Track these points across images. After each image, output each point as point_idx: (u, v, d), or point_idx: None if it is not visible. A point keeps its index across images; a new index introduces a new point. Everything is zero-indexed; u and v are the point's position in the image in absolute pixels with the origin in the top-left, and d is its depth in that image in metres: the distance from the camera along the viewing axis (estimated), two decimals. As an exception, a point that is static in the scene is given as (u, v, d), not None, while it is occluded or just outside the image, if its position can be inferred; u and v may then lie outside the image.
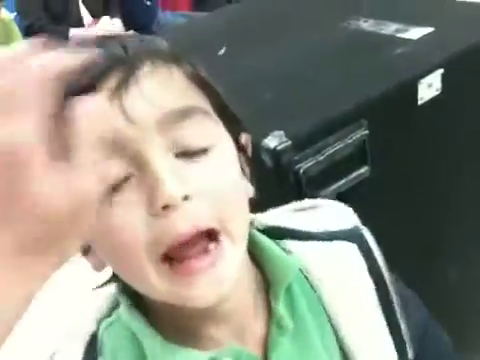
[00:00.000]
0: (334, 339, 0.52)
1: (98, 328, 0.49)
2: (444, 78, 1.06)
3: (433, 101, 1.06)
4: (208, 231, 0.42)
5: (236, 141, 0.48)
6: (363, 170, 0.97)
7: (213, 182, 0.42)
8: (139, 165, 0.41)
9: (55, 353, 0.49)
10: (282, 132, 0.85)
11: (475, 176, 1.24)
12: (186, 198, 0.40)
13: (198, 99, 0.45)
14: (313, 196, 0.93)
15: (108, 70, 0.42)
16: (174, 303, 0.42)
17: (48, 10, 3.40)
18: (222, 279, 0.42)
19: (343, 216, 0.57)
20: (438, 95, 1.06)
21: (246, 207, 0.46)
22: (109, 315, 0.50)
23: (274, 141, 0.84)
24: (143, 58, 0.43)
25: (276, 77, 1.08)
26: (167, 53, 0.45)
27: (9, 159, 0.28)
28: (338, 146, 0.91)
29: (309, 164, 0.89)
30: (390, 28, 1.20)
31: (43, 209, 0.29)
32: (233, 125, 0.48)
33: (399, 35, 1.16)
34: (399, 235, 1.07)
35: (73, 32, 3.14)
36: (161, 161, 0.40)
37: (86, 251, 0.46)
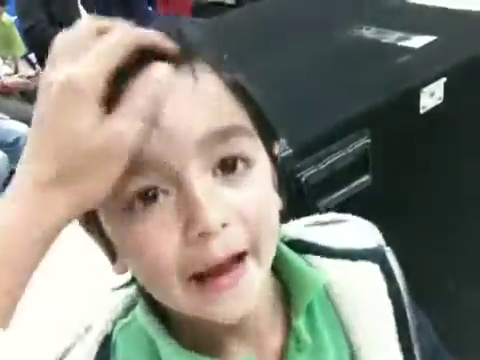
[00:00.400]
0: (349, 357, 0.51)
1: (113, 329, 0.48)
2: (446, 87, 1.05)
3: (435, 110, 1.06)
4: (241, 253, 0.41)
5: (269, 152, 0.46)
6: (364, 179, 0.96)
7: (251, 205, 0.41)
8: (175, 184, 0.39)
9: (66, 352, 0.48)
10: (284, 140, 0.84)
11: (477, 185, 1.24)
12: (224, 225, 0.39)
13: (240, 114, 0.42)
14: (314, 205, 0.92)
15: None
16: (198, 317, 0.42)
17: (48, 13, 3.40)
18: (247, 296, 0.41)
19: (367, 234, 0.56)
20: (440, 104, 1.06)
21: (278, 224, 0.45)
22: (125, 316, 0.49)
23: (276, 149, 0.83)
24: (183, 68, 0.40)
25: (277, 85, 1.07)
26: (207, 58, 0.42)
27: (70, 88, 0.35)
28: (340, 155, 0.90)
29: (311, 172, 0.88)
30: (392, 36, 1.20)
31: (79, 144, 0.36)
32: (268, 136, 0.46)
33: (401, 43, 1.15)
34: (398, 244, 1.07)
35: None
36: (200, 184, 0.39)
37: (113, 259, 0.45)
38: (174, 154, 0.38)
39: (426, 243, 1.15)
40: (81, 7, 3.45)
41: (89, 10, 3.38)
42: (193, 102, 0.39)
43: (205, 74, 0.41)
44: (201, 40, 0.43)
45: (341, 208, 0.93)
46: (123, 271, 0.45)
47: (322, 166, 0.89)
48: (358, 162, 0.94)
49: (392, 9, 1.37)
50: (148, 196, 0.39)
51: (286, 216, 0.61)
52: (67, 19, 3.44)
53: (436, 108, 1.05)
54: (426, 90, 1.03)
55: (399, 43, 1.16)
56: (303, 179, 0.87)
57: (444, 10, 1.31)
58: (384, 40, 1.19)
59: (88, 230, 0.45)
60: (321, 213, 0.91)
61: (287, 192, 0.90)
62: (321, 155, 0.89)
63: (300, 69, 1.12)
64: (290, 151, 0.84)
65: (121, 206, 0.40)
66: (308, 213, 0.64)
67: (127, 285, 0.50)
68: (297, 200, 0.90)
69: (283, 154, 0.84)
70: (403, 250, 1.08)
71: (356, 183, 0.95)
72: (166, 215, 0.39)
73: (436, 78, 1.04)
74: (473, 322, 1.37)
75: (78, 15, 3.41)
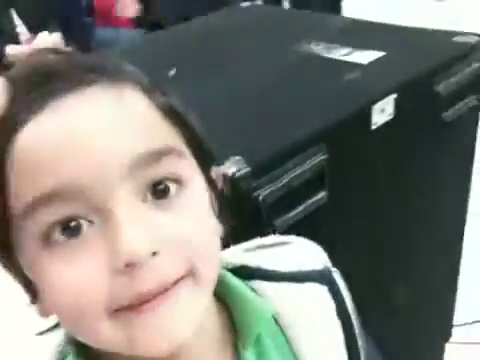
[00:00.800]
0: None
1: None
2: (397, 103, 1.06)
3: (386, 126, 1.06)
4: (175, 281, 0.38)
5: (207, 176, 0.44)
6: (321, 195, 0.95)
7: (184, 230, 0.38)
8: (100, 212, 0.36)
9: None
10: (240, 158, 0.82)
11: (428, 201, 1.25)
12: (154, 254, 0.36)
13: (172, 136, 0.40)
14: (272, 224, 0.90)
15: (60, 93, 0.36)
16: (125, 354, 0.38)
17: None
18: (176, 321, 0.37)
19: (312, 255, 0.54)
20: (391, 120, 1.06)
21: (218, 250, 0.42)
22: None
23: (232, 167, 0.80)
24: (107, 87, 0.38)
25: (228, 103, 1.04)
26: (136, 79, 0.40)
27: None
28: (297, 171, 0.89)
29: (268, 191, 0.86)
30: (341, 52, 1.20)
31: None
32: (205, 159, 0.44)
33: (352, 59, 1.16)
34: (355, 259, 1.06)
35: (9, 49, 3.00)
36: (126, 211, 0.36)
37: (34, 298, 0.41)
38: (99, 180, 0.36)
39: (380, 256, 1.15)
40: (18, 19, 3.32)
41: (26, 22, 3.25)
42: (120, 124, 0.37)
43: (133, 96, 0.39)
44: (130, 63, 0.42)
45: (298, 226, 0.92)
46: (46, 313, 0.41)
47: (279, 184, 0.87)
48: (315, 178, 0.92)
49: (339, 25, 1.38)
50: (70, 227, 0.36)
51: (242, 237, 0.59)
52: (3, 31, 3.30)
53: (387, 124, 1.06)
54: (377, 106, 1.03)
55: (348, 59, 1.17)
56: (260, 198, 0.85)
57: (390, 26, 1.33)
58: (333, 56, 1.19)
59: (5, 266, 0.41)
60: (278, 232, 0.89)
61: (243, 212, 0.88)
62: (278, 173, 0.87)
63: (251, 86, 1.10)
64: (247, 169, 0.81)
65: (38, 238, 0.36)
66: (265, 232, 0.62)
67: (54, 328, 0.45)
68: (254, 220, 0.87)
69: (240, 173, 0.81)
70: (357, 264, 1.08)
71: (313, 200, 0.94)
72: (91, 247, 0.36)
73: (386, 94, 1.04)
74: (429, 335, 1.39)
75: (13, 27, 3.28)
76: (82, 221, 0.36)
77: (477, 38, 1.24)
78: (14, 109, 0.35)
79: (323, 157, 0.91)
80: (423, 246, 1.28)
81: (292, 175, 0.88)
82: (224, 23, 1.50)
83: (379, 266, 1.15)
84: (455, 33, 1.25)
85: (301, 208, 0.92)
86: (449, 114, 1.22)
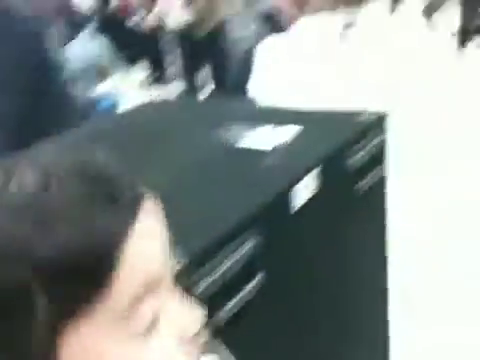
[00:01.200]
0: None
1: None
2: (317, 179, 1.10)
3: (309, 202, 1.09)
4: None
5: None
6: (255, 282, 0.94)
7: None
8: (162, 297, 0.43)
9: None
10: (179, 248, 0.79)
11: (351, 273, 1.28)
12: None
13: None
14: (211, 319, 0.87)
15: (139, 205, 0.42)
16: None
17: None
18: None
19: None
20: (314, 195, 1.09)
21: None
22: None
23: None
24: (150, 195, 0.45)
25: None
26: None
27: None
28: (231, 261, 0.88)
29: (205, 284, 0.83)
30: (261, 131, 1.24)
31: None
32: None
33: (272, 138, 1.19)
34: (296, 340, 1.05)
35: None
36: (179, 293, 0.45)
37: None
38: (167, 270, 0.44)
39: (319, 334, 1.15)
40: None
41: None
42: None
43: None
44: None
45: (237, 317, 0.90)
46: None
47: (216, 275, 0.85)
48: (248, 265, 0.92)
49: (254, 110, 1.43)
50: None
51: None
52: None
53: (310, 200, 1.09)
54: (299, 186, 1.06)
55: (270, 139, 1.20)
56: (199, 292, 0.82)
57: (297, 111, 1.40)
58: (252, 137, 1.22)
59: None
60: (218, 325, 0.86)
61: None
62: (213, 264, 0.86)
63: (174, 179, 1.09)
64: (186, 261, 0.79)
65: (136, 332, 0.41)
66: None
67: None
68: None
69: (179, 266, 0.78)
70: (299, 342, 1.06)
71: (249, 287, 0.92)
72: (159, 327, 0.42)
73: (309, 170, 1.08)
74: None
75: None
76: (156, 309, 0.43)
77: (375, 116, 1.35)
78: (112, 223, 0.40)
79: (254, 242, 0.91)
80: (352, 318, 1.29)
81: (227, 265, 0.87)
82: (137, 120, 1.50)
83: (315, 343, 1.14)
84: (356, 113, 1.34)
85: (239, 297, 0.90)
86: (360, 186, 1.29)
